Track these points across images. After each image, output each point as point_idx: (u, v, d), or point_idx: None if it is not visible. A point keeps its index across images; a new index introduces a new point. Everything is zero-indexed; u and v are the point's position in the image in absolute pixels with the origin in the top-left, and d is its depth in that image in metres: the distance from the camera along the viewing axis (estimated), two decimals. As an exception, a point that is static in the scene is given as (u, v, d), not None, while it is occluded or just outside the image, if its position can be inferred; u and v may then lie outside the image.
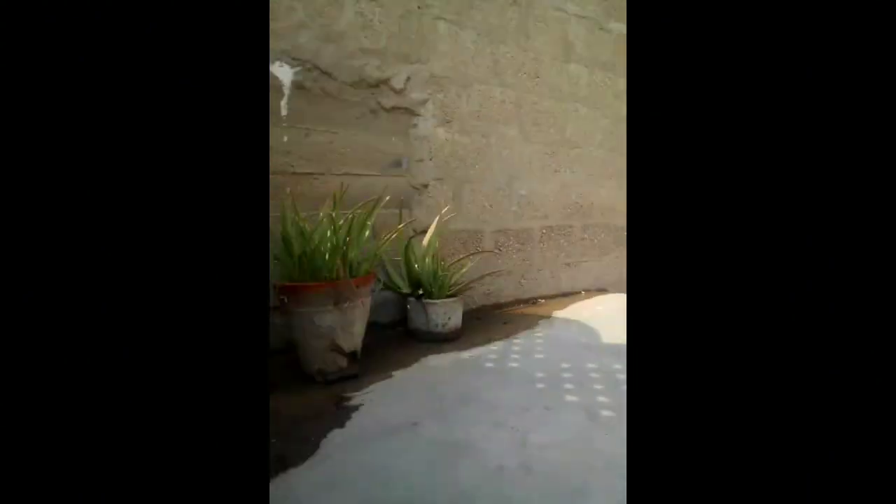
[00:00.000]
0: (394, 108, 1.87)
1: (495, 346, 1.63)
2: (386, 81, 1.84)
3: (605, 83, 2.69)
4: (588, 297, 2.49)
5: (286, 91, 1.59)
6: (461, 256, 2.00)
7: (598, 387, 1.25)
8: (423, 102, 1.96)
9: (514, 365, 1.44)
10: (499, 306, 2.29)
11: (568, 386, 1.26)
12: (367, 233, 1.50)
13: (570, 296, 2.56)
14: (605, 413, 1.08)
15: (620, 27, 2.72)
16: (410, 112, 1.92)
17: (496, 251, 2.27)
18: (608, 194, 2.79)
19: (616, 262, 2.89)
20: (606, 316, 2.06)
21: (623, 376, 1.33)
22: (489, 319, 2.05)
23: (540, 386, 1.26)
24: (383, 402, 1.17)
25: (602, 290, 2.74)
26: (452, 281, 1.79)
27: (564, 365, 1.43)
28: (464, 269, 1.89)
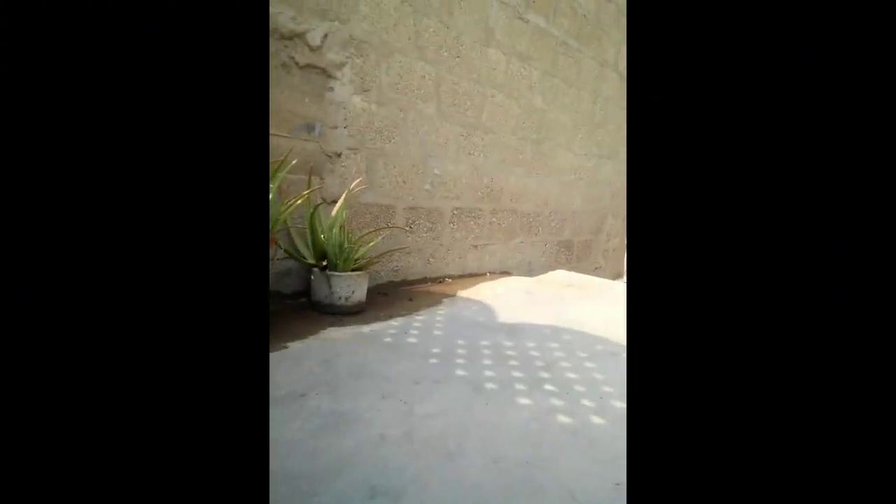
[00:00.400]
0: (308, 67, 1.76)
1: (396, 322, 1.65)
2: (301, 36, 1.72)
3: (520, 73, 2.78)
4: (492, 279, 2.62)
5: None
6: (370, 230, 1.98)
7: (487, 362, 1.33)
8: (341, 66, 1.87)
9: (413, 340, 1.48)
10: (406, 283, 2.32)
11: (460, 361, 1.32)
12: (270, 195, 1.42)
13: (475, 276, 2.67)
14: (489, 386, 1.16)
15: (538, 20, 2.82)
16: (326, 74, 1.83)
17: (407, 228, 2.28)
18: (517, 181, 2.92)
19: (521, 246, 3.06)
20: (506, 297, 2.18)
21: (511, 352, 1.43)
22: (395, 296, 2.07)
23: (433, 361, 1.31)
24: (272, 373, 1.13)
25: (506, 273, 2.89)
26: (359, 254, 1.77)
27: (460, 342, 1.49)
28: (372, 244, 1.87)
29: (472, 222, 2.66)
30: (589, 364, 1.37)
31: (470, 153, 2.56)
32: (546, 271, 3.08)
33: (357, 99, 1.96)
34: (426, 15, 2.18)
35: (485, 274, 2.76)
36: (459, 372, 1.23)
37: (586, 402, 1.10)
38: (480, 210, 2.70)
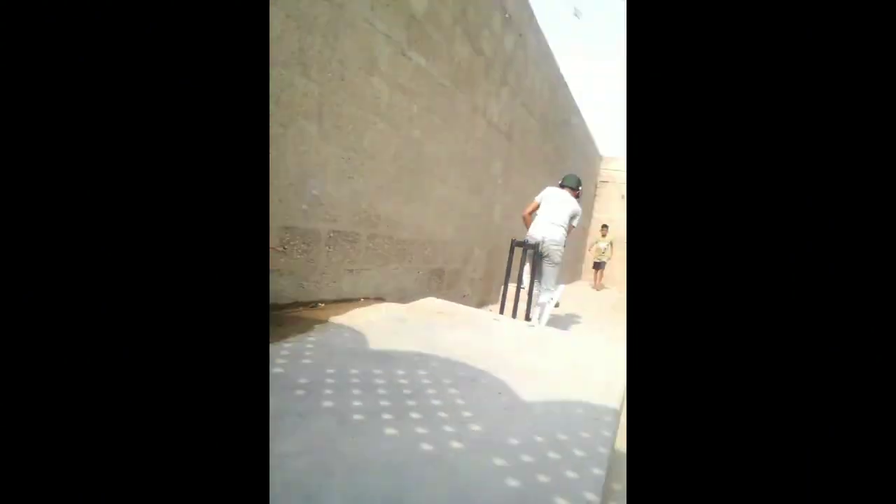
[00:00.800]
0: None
1: (259, 351, 1.55)
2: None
3: (402, 104, 2.90)
4: (366, 304, 2.61)
5: None
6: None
7: (356, 392, 1.33)
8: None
9: (279, 370, 1.41)
10: (277, 307, 2.19)
11: (328, 392, 1.30)
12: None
13: (349, 302, 2.64)
14: (357, 417, 1.16)
15: (419, 59, 2.99)
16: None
17: (281, 248, 2.17)
18: (395, 208, 3.00)
19: (395, 272, 3.12)
20: (379, 324, 2.20)
21: (380, 380, 1.45)
22: (258, 321, 1.94)
23: (300, 392, 1.26)
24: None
25: (380, 298, 2.91)
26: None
27: (330, 370, 1.47)
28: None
29: (348, 246, 2.64)
30: (452, 390, 1.46)
31: (350, 177, 2.56)
32: (418, 298, 3.19)
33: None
34: (310, 33, 2.16)
35: (359, 299, 2.75)
36: (327, 403, 1.21)
37: (448, 429, 1.17)
38: (358, 234, 2.70)
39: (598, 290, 8.30)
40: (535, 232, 3.36)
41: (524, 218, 3.59)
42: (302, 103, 2.16)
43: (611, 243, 8.43)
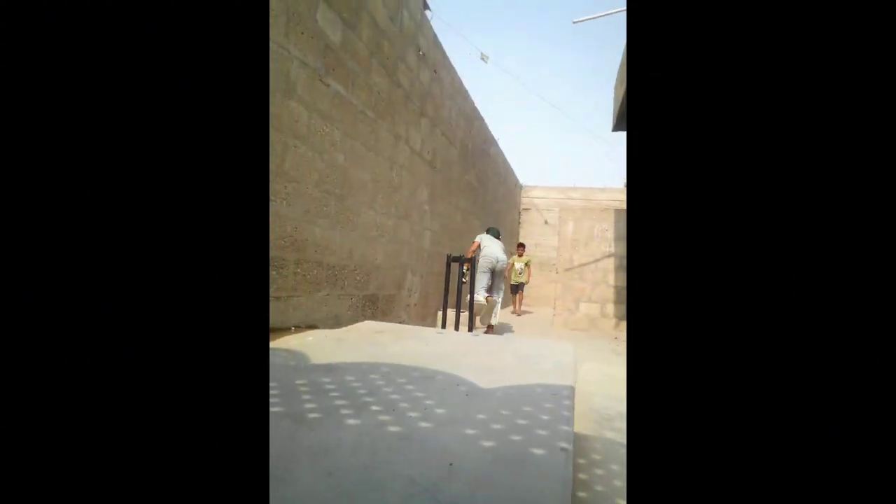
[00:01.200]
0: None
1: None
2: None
3: (323, 130, 2.89)
4: (298, 332, 2.44)
5: None
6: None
7: (307, 397, 1.22)
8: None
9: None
10: (193, 343, 1.96)
11: (274, 399, 1.17)
12: None
13: (278, 331, 2.45)
14: (312, 416, 1.06)
15: (338, 86, 3.02)
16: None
17: (195, 277, 1.98)
18: (322, 233, 2.90)
19: (326, 299, 2.98)
20: (316, 345, 2.06)
21: (331, 386, 1.35)
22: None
23: (240, 404, 1.13)
24: None
25: (312, 327, 2.74)
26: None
27: (272, 384, 1.33)
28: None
29: (274, 272, 2.48)
30: (409, 387, 1.40)
31: (273, 200, 2.44)
32: (353, 323, 3.05)
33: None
34: (223, 55, 2.10)
35: (289, 328, 2.56)
36: (276, 409, 1.09)
37: (412, 414, 1.11)
38: (284, 259, 2.56)
39: (518, 314, 7.24)
40: (492, 255, 4.62)
41: (471, 252, 4.63)
42: (217, 123, 2.06)
43: (526, 263, 7.44)
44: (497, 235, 4.90)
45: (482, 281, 4.47)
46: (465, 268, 4.07)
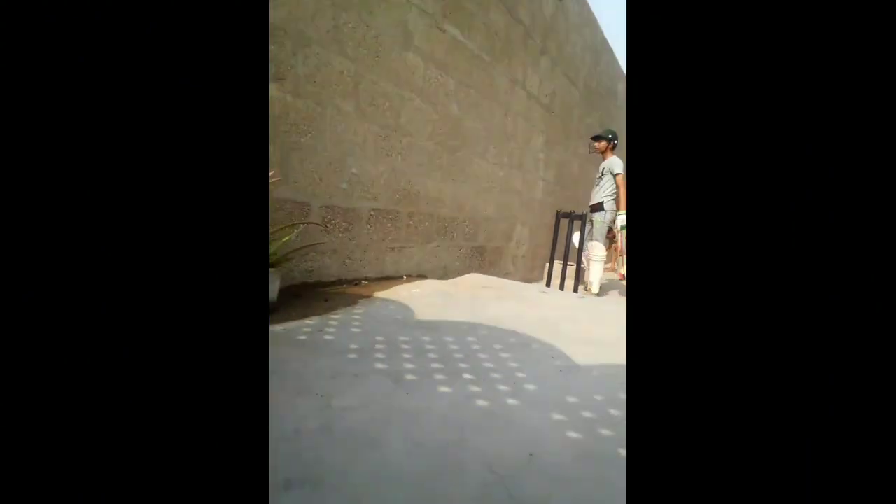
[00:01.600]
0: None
1: (311, 321, 1.58)
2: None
3: (438, 80, 2.85)
4: (409, 282, 2.62)
5: None
6: (284, 226, 1.88)
7: (407, 356, 1.32)
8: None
9: (329, 338, 1.42)
10: (321, 285, 2.23)
11: (379, 356, 1.30)
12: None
13: (392, 279, 2.65)
14: (410, 377, 1.15)
15: (454, 31, 2.92)
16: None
17: (323, 228, 2.20)
18: (434, 185, 2.97)
19: (437, 250, 3.11)
20: (423, 298, 2.20)
21: (430, 346, 1.44)
22: (309, 297, 1.98)
23: (352, 356, 1.27)
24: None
25: (422, 276, 2.91)
26: (272, 250, 1.67)
27: (379, 338, 1.47)
28: (285, 239, 1.78)
29: (389, 224, 2.64)
30: (504, 354, 1.43)
31: (388, 154, 2.55)
32: (460, 275, 3.16)
33: (272, 87, 1.86)
34: (346, 10, 2.15)
35: (402, 277, 2.76)
36: (379, 366, 1.21)
37: (502, 387, 1.14)
38: (398, 212, 2.70)
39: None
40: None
41: (624, 192, 3.64)
42: (339, 82, 2.16)
43: None
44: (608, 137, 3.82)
45: (603, 232, 3.67)
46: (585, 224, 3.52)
